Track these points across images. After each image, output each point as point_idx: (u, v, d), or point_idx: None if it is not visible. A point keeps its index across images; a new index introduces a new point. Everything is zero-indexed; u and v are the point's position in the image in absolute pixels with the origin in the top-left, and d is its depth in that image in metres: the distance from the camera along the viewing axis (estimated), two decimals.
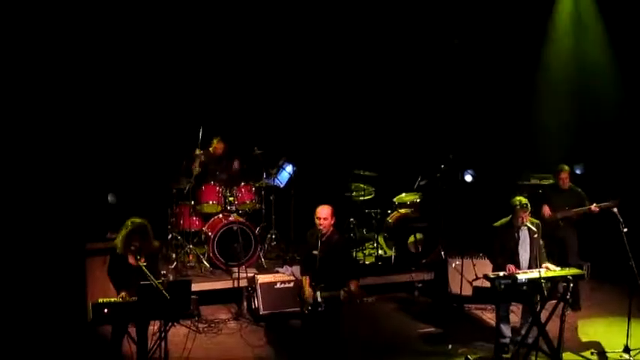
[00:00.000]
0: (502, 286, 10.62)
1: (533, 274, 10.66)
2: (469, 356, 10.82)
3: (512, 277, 10.61)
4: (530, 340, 10.95)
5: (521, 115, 15.88)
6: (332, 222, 10.70)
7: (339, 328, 10.78)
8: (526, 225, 11.05)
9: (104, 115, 14.24)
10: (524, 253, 11.19)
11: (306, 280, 10.72)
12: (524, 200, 11.10)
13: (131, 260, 9.90)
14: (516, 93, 15.84)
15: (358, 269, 11.93)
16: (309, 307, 10.51)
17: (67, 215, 12.62)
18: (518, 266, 11.08)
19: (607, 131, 15.40)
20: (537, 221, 11.26)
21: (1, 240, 12.05)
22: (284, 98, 15.39)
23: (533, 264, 11.08)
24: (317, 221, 10.62)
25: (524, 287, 10.77)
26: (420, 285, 13.54)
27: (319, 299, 10.50)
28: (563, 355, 10.90)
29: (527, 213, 11.06)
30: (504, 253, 11.15)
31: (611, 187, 13.29)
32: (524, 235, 11.18)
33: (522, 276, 10.67)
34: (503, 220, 11.24)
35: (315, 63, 15.53)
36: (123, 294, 9.70)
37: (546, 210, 12.69)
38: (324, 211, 10.64)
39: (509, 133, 15.84)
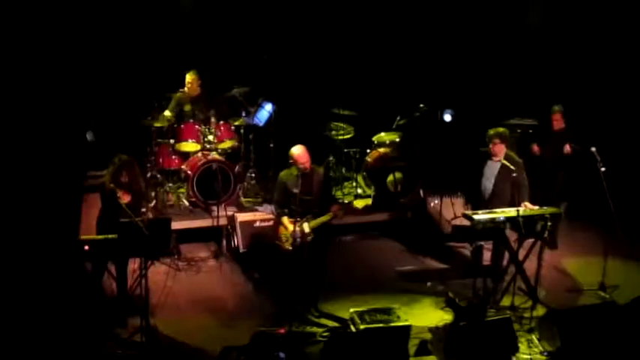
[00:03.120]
0: (479, 225, 10.69)
1: (511, 212, 10.72)
2: (449, 293, 10.91)
3: (491, 215, 10.69)
4: (507, 278, 11.07)
5: (503, 54, 15.82)
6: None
7: (324, 261, 10.89)
8: (501, 159, 11.07)
9: (83, 53, 14.06)
10: (488, 184, 11.23)
11: (286, 219, 10.73)
12: (500, 129, 11.14)
13: (121, 195, 9.88)
14: (500, 30, 15.76)
15: (334, 199, 11.98)
16: (295, 242, 10.54)
17: (46, 154, 12.55)
18: (479, 194, 11.20)
19: (589, 71, 15.38)
20: (520, 160, 11.25)
21: None
22: (263, 35, 15.23)
23: (498, 199, 11.11)
24: (299, 166, 10.57)
25: (502, 225, 10.88)
26: (398, 224, 13.59)
27: (307, 230, 10.56)
28: (540, 292, 11.03)
29: (502, 143, 11.09)
30: (471, 179, 11.33)
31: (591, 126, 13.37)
32: (494, 168, 11.20)
33: (501, 215, 10.74)
34: (486, 148, 11.30)
35: (294, 1, 15.40)
36: None
37: (535, 148, 12.74)
38: (305, 156, 10.61)
39: (490, 72, 15.79)
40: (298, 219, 10.60)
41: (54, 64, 13.49)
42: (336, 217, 10.72)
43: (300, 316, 10.50)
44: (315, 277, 10.77)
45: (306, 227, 10.61)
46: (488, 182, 11.24)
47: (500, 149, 11.11)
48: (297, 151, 10.63)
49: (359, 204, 13.70)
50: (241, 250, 12.32)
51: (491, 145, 11.14)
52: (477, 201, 11.27)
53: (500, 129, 11.20)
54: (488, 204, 11.10)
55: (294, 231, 10.53)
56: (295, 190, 10.53)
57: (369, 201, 13.82)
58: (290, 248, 10.62)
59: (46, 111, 13.19)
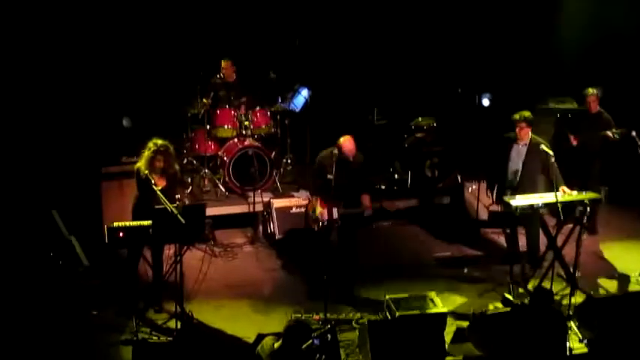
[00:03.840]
0: (518, 210, 10.58)
1: (550, 197, 10.59)
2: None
3: (529, 201, 10.57)
4: (545, 264, 10.94)
5: (540, 38, 15.60)
6: None
7: (354, 247, 10.81)
8: (529, 142, 10.98)
9: (120, 39, 14.10)
10: (515, 169, 11.15)
11: (317, 200, 10.68)
12: (524, 114, 11.04)
13: (156, 180, 9.88)
14: (535, 15, 15.55)
15: (371, 184, 11.87)
16: (322, 224, 10.53)
17: (83, 139, 12.59)
18: (505, 178, 11.15)
19: (628, 54, 15.13)
20: (542, 141, 11.13)
21: (21, 166, 12.05)
22: (301, 21, 15.16)
23: (526, 184, 11.02)
24: (343, 153, 10.47)
25: (541, 211, 10.76)
26: (436, 209, 13.49)
27: (335, 215, 10.52)
28: (579, 278, 10.89)
29: (527, 127, 11.03)
30: (497, 162, 11.33)
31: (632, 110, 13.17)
32: (520, 151, 11.14)
33: (539, 200, 10.62)
34: (511, 133, 11.21)
35: None
36: None
37: (573, 140, 12.59)
38: (351, 145, 10.49)
39: (527, 56, 15.58)
40: (329, 202, 10.57)
41: (89, 51, 13.56)
42: (366, 210, 10.65)
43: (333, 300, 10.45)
44: (346, 262, 10.70)
45: (335, 213, 10.56)
46: (516, 166, 11.17)
47: (525, 133, 11.08)
48: (345, 139, 10.52)
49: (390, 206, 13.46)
50: (277, 236, 12.30)
51: (517, 130, 11.06)
52: (502, 186, 11.19)
53: (526, 113, 11.12)
54: (518, 188, 11.01)
55: (321, 213, 10.53)
56: (330, 176, 10.48)
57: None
58: (316, 229, 10.61)
59: (85, 98, 13.26)
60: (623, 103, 13.74)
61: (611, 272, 11.58)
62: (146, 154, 10.07)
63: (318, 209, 10.59)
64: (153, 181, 9.79)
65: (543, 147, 10.92)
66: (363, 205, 10.61)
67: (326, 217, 10.53)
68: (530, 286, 10.85)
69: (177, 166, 10.44)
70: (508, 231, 11.55)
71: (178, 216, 9.32)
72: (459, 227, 13.01)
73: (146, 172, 9.92)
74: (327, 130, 12.16)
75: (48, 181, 11.91)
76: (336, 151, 10.51)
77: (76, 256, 9.67)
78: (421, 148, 13.82)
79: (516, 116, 11.10)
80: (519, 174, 11.10)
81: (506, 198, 10.81)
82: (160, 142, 10.11)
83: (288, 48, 14.87)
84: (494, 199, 11.70)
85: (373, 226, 12.91)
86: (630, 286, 11.06)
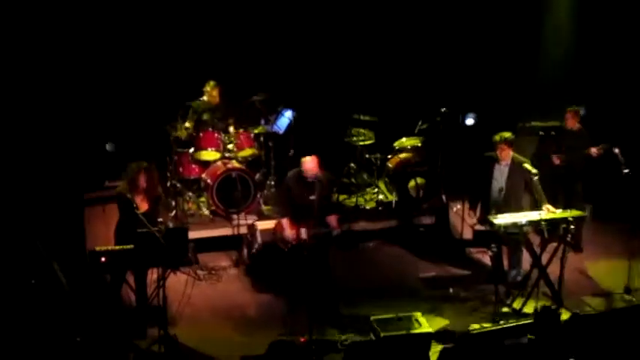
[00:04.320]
0: (502, 229, 10.59)
1: (534, 216, 10.62)
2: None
3: (513, 220, 10.59)
4: (530, 283, 10.94)
5: (523, 57, 15.65)
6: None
7: (327, 266, 10.84)
8: (509, 163, 11.02)
9: (101, 63, 14.08)
10: (498, 189, 11.15)
11: (285, 220, 10.80)
12: (504, 135, 11.07)
13: (139, 203, 9.83)
14: (519, 35, 15.60)
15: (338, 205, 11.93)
16: (290, 245, 10.71)
17: (65, 164, 12.53)
18: (489, 199, 11.17)
19: (610, 72, 15.20)
20: (525, 160, 11.16)
21: (3, 192, 11.98)
22: (282, 43, 15.17)
23: (512, 201, 11.09)
24: (305, 173, 10.71)
25: (525, 230, 10.77)
26: (421, 229, 13.49)
27: (304, 236, 10.63)
28: (565, 296, 10.88)
29: (508, 150, 11.08)
30: (480, 183, 11.35)
31: (614, 128, 13.22)
32: (503, 171, 11.17)
33: (522, 218, 10.63)
34: (492, 153, 11.22)
35: (313, 6, 15.31)
36: None
37: (555, 159, 12.60)
38: (312, 166, 10.71)
39: (511, 76, 15.63)
40: (300, 223, 10.71)
41: (76, 73, 13.53)
42: (333, 230, 10.74)
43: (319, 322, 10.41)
44: (322, 282, 10.67)
45: (303, 233, 10.66)
46: (500, 185, 11.20)
47: (507, 154, 11.15)
48: (307, 159, 10.75)
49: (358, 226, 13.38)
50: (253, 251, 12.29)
51: (498, 151, 11.10)
52: (486, 205, 11.21)
53: (506, 134, 11.18)
54: (502, 207, 11.01)
55: (291, 234, 10.71)
56: (296, 193, 10.65)
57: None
58: (285, 250, 10.75)
59: (68, 122, 13.20)
60: (606, 120, 13.82)
61: (596, 289, 11.59)
62: (129, 175, 10.04)
63: (287, 230, 10.70)
64: (135, 205, 9.76)
65: (526, 165, 10.97)
66: (330, 226, 10.68)
67: (295, 237, 10.65)
68: (515, 305, 10.86)
69: (160, 189, 10.42)
70: (490, 250, 11.54)
71: (160, 239, 9.28)
72: (444, 247, 13.01)
73: (129, 195, 9.89)
74: (311, 152, 12.14)
75: (31, 207, 11.82)
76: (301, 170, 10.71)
77: (58, 281, 9.61)
78: (406, 169, 13.82)
79: (497, 138, 11.16)
80: (503, 193, 11.11)
81: (490, 217, 10.81)
82: (144, 163, 10.12)
83: (271, 70, 14.86)
84: (478, 219, 11.74)
85: (359, 247, 12.90)
86: (615, 304, 11.05)
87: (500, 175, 11.19)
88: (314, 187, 10.68)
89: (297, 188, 10.75)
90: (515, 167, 11.04)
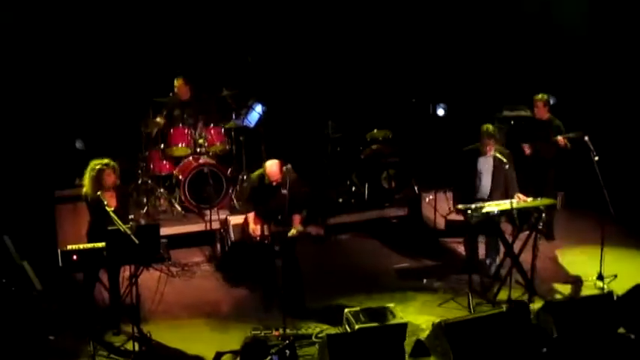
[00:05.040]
0: (474, 219, 10.60)
1: (505, 205, 10.64)
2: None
3: (484, 208, 10.61)
4: (503, 272, 10.97)
5: (494, 47, 15.68)
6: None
7: (294, 261, 10.79)
8: (493, 154, 11.02)
9: (71, 60, 13.98)
10: (484, 182, 11.16)
11: (250, 216, 10.86)
12: (491, 128, 11.08)
13: (108, 200, 9.77)
14: (490, 25, 15.63)
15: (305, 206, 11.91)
16: (255, 241, 10.79)
17: (35, 162, 12.44)
18: (475, 193, 11.11)
19: (580, 60, 15.27)
20: (507, 151, 11.23)
21: None
22: (250, 36, 15.12)
23: (497, 194, 11.07)
24: (269, 178, 10.67)
25: (497, 219, 10.79)
26: (394, 221, 13.50)
27: (266, 232, 10.70)
28: (537, 284, 10.93)
29: (494, 141, 11.03)
30: (464, 178, 11.24)
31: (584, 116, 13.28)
32: (487, 163, 11.16)
33: (494, 207, 10.66)
34: (472, 146, 11.23)
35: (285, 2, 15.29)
36: None
37: (526, 149, 12.60)
38: (275, 173, 10.65)
39: (482, 66, 15.66)
40: (261, 219, 10.79)
41: (40, 72, 13.42)
42: (293, 231, 10.70)
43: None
44: (289, 276, 10.63)
45: (266, 230, 10.74)
46: (485, 178, 11.20)
47: (491, 147, 11.08)
48: (270, 165, 10.71)
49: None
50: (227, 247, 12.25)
51: (485, 145, 11.06)
52: (469, 198, 11.11)
53: (490, 127, 11.11)
54: (488, 199, 11.03)
55: (254, 229, 10.77)
56: (262, 194, 10.74)
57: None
58: (251, 244, 10.87)
59: (36, 120, 13.11)
60: (576, 108, 13.88)
61: (568, 277, 11.64)
62: (91, 175, 9.95)
63: (251, 226, 10.80)
64: (105, 202, 9.68)
65: (498, 155, 10.99)
66: (293, 225, 10.65)
67: (258, 233, 10.74)
68: (489, 295, 10.90)
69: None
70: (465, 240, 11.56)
71: (132, 236, 9.23)
72: (417, 238, 13.02)
73: (98, 193, 9.81)
74: (283, 146, 12.15)
75: (0, 205, 11.73)
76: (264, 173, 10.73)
77: (29, 280, 9.53)
78: (378, 160, 13.81)
79: (482, 130, 11.08)
80: (489, 185, 11.14)
81: (461, 207, 10.82)
82: (104, 160, 10.02)
83: (240, 65, 14.81)
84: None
85: (332, 239, 12.91)
86: (587, 291, 11.11)
87: (485, 168, 11.19)
88: (277, 189, 10.59)
89: (261, 189, 10.79)
90: (499, 157, 11.05)
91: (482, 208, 10.64)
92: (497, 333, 9.42)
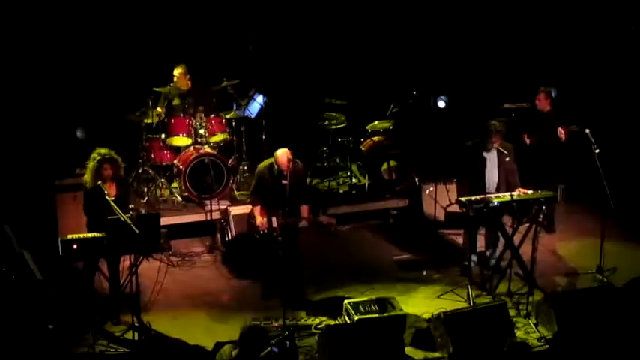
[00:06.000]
0: (474, 211, 10.61)
1: (505, 197, 10.65)
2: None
3: (485, 201, 10.61)
4: (503, 264, 10.98)
5: (495, 39, 15.65)
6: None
7: (298, 254, 10.79)
8: (496, 148, 11.04)
9: (72, 49, 13.95)
10: (491, 176, 11.18)
11: (257, 209, 10.77)
12: (498, 125, 11.07)
13: (108, 190, 9.77)
14: (491, 16, 15.59)
15: (310, 195, 11.88)
16: (262, 232, 10.68)
17: (36, 152, 12.43)
18: (484, 187, 11.09)
19: (581, 53, 15.25)
20: (510, 145, 11.23)
21: None
22: (252, 26, 15.09)
23: (503, 187, 11.08)
24: (278, 167, 10.51)
25: (497, 211, 10.79)
26: (394, 212, 13.51)
27: (274, 224, 10.61)
28: (537, 277, 10.93)
29: (500, 137, 11.04)
30: (472, 173, 11.20)
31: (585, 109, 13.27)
32: (492, 158, 11.17)
33: (494, 200, 10.66)
34: (475, 140, 11.24)
35: None
36: None
37: (526, 139, 12.59)
38: (285, 162, 10.47)
39: (483, 58, 15.64)
40: (270, 211, 10.69)
41: (41, 62, 13.40)
42: (302, 220, 10.72)
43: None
44: (292, 268, 10.66)
45: (274, 222, 10.65)
46: (491, 173, 11.21)
47: (498, 142, 11.09)
48: (280, 154, 10.53)
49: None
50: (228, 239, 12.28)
51: (493, 138, 11.06)
52: (480, 192, 11.05)
53: (497, 124, 11.11)
54: (495, 192, 11.05)
55: (261, 222, 10.66)
56: (270, 185, 10.63)
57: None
58: (257, 236, 10.74)
59: (37, 109, 13.10)
60: (577, 101, 13.86)
61: (568, 269, 11.65)
62: (91, 165, 9.97)
63: (258, 218, 10.68)
64: (105, 192, 9.69)
65: (500, 148, 11.01)
66: (301, 215, 10.65)
67: (265, 226, 10.62)
68: (488, 286, 10.92)
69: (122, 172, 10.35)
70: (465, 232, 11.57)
71: (132, 226, 9.23)
72: (418, 229, 13.03)
73: (99, 182, 9.82)
74: (284, 136, 12.13)
75: (1, 194, 11.73)
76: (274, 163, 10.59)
77: (30, 270, 9.54)
78: (378, 152, 13.81)
79: (491, 126, 11.09)
80: (496, 179, 11.17)
81: (461, 199, 10.82)
82: (103, 150, 10.03)
83: (241, 55, 14.79)
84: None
85: (332, 230, 12.89)
86: (587, 283, 11.12)
87: (492, 162, 11.19)
88: (287, 178, 10.54)
89: (270, 180, 10.64)
90: (501, 150, 11.06)
91: (484, 200, 10.64)
92: (496, 324, 9.46)
